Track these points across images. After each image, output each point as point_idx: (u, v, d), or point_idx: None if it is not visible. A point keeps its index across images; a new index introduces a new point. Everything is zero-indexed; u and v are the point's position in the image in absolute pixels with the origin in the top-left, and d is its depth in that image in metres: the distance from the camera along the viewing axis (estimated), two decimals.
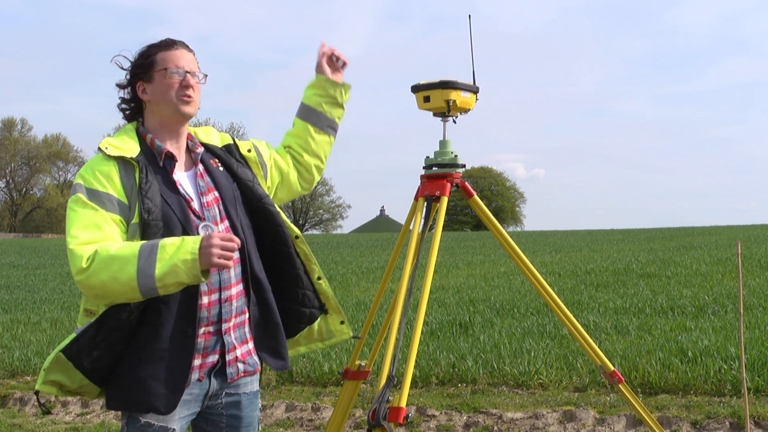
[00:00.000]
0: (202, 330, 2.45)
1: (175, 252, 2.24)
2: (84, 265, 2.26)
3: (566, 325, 3.44)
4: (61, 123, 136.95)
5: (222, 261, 2.25)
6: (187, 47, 2.57)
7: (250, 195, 2.61)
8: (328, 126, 2.89)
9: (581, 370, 6.24)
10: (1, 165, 77.61)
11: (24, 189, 79.88)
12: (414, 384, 6.29)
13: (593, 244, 27.42)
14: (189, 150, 2.59)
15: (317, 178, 2.91)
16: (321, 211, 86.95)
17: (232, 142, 2.72)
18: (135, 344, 2.39)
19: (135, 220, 2.37)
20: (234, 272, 2.51)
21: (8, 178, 78.73)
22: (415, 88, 3.28)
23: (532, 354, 6.87)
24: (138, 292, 2.26)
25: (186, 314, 2.39)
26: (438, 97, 3.21)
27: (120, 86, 2.56)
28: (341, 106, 2.90)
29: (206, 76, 2.60)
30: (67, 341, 2.39)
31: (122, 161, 2.42)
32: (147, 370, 2.37)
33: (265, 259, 2.63)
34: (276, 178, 2.81)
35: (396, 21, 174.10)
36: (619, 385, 3.44)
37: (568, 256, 21.29)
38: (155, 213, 2.37)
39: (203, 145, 2.63)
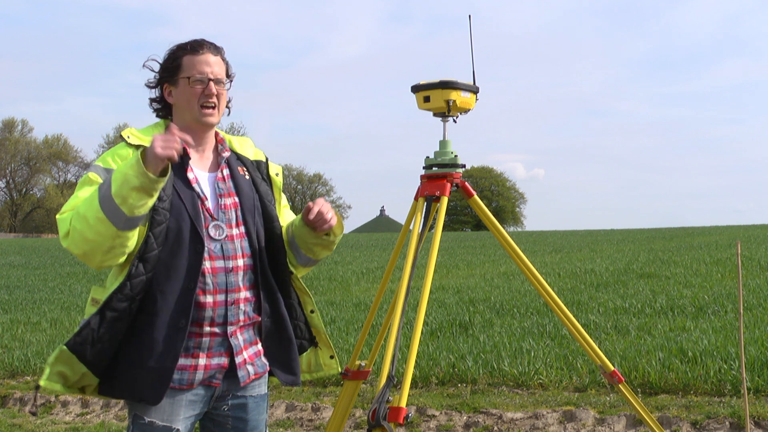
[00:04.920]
0: (207, 329, 2.45)
1: (124, 166, 2.26)
2: (69, 227, 2.31)
3: (566, 325, 3.44)
4: (63, 123, 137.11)
5: (167, 151, 2.22)
6: (213, 50, 2.55)
7: (265, 213, 2.62)
8: (299, 257, 2.73)
9: (581, 370, 6.24)
10: (2, 165, 77.61)
11: (24, 189, 79.89)
12: (414, 384, 6.29)
13: (593, 244, 27.42)
14: (217, 153, 2.60)
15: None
16: None
17: (264, 160, 2.72)
18: (131, 332, 2.40)
19: None
20: (244, 277, 2.52)
21: (8, 178, 78.75)
22: (415, 88, 3.27)
23: (532, 354, 6.87)
24: (110, 224, 2.23)
25: (181, 306, 2.39)
26: (438, 97, 3.21)
27: (148, 86, 2.57)
28: (327, 249, 2.72)
29: (231, 81, 2.60)
30: (69, 336, 2.41)
31: (140, 149, 2.43)
32: (138, 358, 2.39)
33: None
34: None
35: (397, 21, 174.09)
36: (619, 385, 3.44)
37: (568, 256, 21.29)
38: (165, 202, 2.38)
39: (234, 152, 2.64)
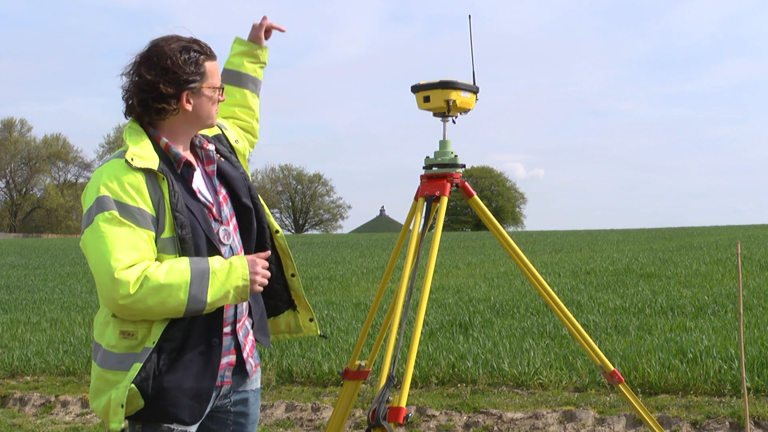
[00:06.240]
0: None
1: (226, 279, 2.29)
2: (132, 291, 2.19)
3: (566, 325, 3.44)
4: (63, 123, 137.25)
5: (261, 288, 2.38)
6: None
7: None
8: (259, 89, 3.00)
9: (581, 370, 6.23)
10: (1, 165, 77.61)
11: (24, 189, 79.91)
12: (414, 384, 6.29)
13: (593, 244, 27.42)
14: (194, 146, 2.53)
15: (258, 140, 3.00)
16: (321, 211, 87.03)
17: (221, 132, 2.67)
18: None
19: (166, 234, 2.29)
20: None
21: (8, 178, 78.76)
22: (415, 88, 3.28)
23: (532, 354, 6.87)
24: (182, 314, 2.27)
25: (212, 324, 2.38)
26: (438, 97, 3.21)
27: (169, 94, 2.34)
28: (265, 64, 3.02)
29: None
30: (133, 373, 2.27)
31: (147, 171, 2.31)
32: (172, 380, 2.32)
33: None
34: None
35: (397, 21, 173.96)
36: (619, 385, 3.45)
37: (568, 256, 21.29)
38: (188, 228, 2.32)
39: (204, 137, 2.56)
